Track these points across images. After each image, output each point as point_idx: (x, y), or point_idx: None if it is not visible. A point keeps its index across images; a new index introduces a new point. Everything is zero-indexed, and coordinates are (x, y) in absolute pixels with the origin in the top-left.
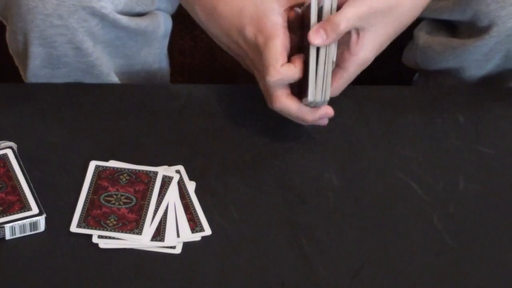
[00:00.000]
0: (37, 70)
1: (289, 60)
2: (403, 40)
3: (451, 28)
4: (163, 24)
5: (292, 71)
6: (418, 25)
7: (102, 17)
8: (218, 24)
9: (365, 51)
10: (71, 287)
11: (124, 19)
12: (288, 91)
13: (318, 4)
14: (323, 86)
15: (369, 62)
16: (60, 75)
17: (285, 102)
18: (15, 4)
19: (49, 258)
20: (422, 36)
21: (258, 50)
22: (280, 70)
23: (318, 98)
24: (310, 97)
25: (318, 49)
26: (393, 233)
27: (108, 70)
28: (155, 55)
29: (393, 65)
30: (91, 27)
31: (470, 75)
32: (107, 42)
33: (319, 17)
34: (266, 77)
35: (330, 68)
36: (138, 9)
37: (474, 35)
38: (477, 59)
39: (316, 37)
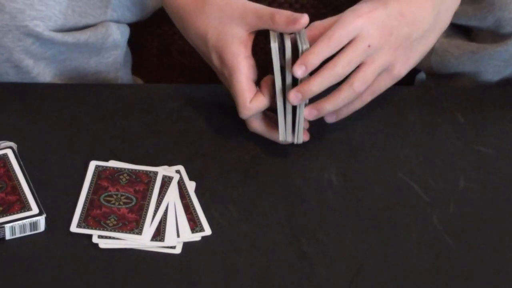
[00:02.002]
0: None
1: (259, 79)
2: None
3: (467, 31)
4: (111, 35)
5: (262, 103)
6: None
7: (37, 36)
8: (192, 43)
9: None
10: (71, 287)
11: (59, 36)
12: (260, 116)
13: (280, 40)
14: (296, 128)
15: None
16: None
17: (256, 128)
18: None
19: (49, 258)
20: (439, 40)
21: (226, 78)
22: (250, 107)
23: (289, 139)
24: (281, 137)
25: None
26: (393, 233)
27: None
28: (107, 65)
29: None
30: (27, 46)
31: (487, 80)
32: (49, 59)
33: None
34: (238, 113)
35: (302, 111)
36: (85, 21)
37: (495, 40)
38: (497, 65)
39: (294, 100)
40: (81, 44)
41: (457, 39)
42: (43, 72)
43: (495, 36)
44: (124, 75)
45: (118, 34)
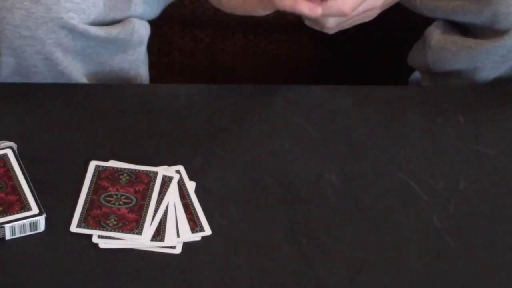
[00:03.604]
0: (8, 78)
1: None
2: (403, 41)
3: (463, 29)
4: (137, 31)
5: None
6: (429, 26)
7: (71, 29)
8: None
9: None
10: (71, 287)
11: (93, 29)
12: None
13: None
14: None
15: None
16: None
17: None
18: None
19: (49, 258)
20: (436, 36)
21: None
22: None
23: None
24: None
25: None
26: (393, 233)
27: (80, 78)
28: (130, 62)
29: (389, 65)
30: (60, 38)
31: (483, 76)
32: (77, 52)
33: None
34: None
35: None
36: (113, 15)
37: (491, 36)
38: (494, 60)
39: None
40: (111, 39)
41: (454, 35)
42: (70, 65)
43: (490, 32)
44: (143, 73)
45: (143, 31)
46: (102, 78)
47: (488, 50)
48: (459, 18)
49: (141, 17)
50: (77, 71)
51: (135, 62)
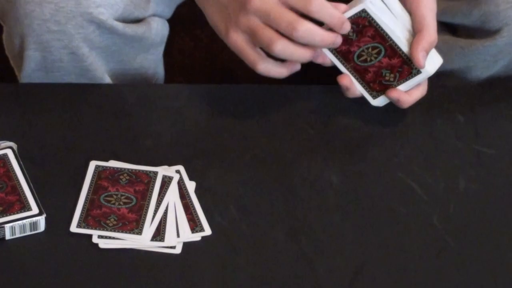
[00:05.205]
0: (31, 73)
1: None
2: None
3: (452, 30)
4: (160, 30)
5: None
6: None
7: (99, 24)
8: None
9: None
10: (71, 287)
11: (121, 26)
12: None
13: None
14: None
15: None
16: (53, 79)
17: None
18: (12, 8)
19: (49, 258)
20: None
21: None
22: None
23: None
24: (430, 68)
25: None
26: (393, 233)
27: (102, 74)
28: (150, 61)
29: None
30: (88, 33)
31: (475, 76)
32: (103, 48)
33: None
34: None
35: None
36: (136, 13)
37: (482, 36)
38: (486, 60)
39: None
40: (136, 37)
41: (444, 35)
42: (94, 61)
43: (481, 32)
44: (160, 72)
45: (165, 30)
46: (122, 76)
47: (479, 50)
48: (449, 19)
49: (161, 17)
50: (100, 68)
51: (154, 61)
